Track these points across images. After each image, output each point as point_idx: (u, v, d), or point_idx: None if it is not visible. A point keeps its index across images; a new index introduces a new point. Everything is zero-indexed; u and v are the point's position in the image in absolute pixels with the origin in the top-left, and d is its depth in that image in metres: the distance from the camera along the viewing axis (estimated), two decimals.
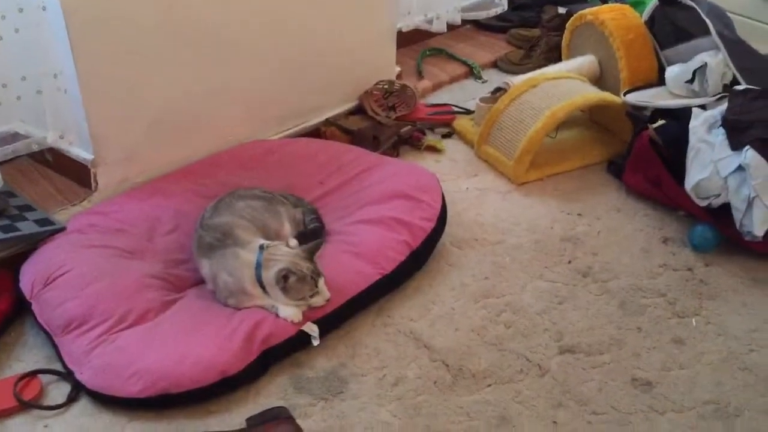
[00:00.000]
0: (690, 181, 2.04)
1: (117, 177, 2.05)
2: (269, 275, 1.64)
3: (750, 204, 1.91)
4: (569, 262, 2.02)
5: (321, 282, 1.68)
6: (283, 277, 1.63)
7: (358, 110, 2.58)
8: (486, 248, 2.07)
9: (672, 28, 2.47)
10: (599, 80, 2.63)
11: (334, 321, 1.73)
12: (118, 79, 1.95)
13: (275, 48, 2.27)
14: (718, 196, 1.99)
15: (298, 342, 1.67)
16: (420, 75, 2.92)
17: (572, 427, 1.55)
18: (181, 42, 2.03)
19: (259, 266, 1.65)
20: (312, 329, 1.67)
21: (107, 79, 1.92)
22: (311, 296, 1.67)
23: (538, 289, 1.92)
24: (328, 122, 2.50)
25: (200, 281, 1.80)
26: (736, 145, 1.97)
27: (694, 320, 1.82)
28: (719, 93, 2.22)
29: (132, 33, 1.92)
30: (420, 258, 1.94)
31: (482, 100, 2.61)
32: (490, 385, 1.64)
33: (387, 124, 2.50)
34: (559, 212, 2.22)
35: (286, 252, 1.70)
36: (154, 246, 1.87)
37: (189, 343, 1.58)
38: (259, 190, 1.93)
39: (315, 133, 2.49)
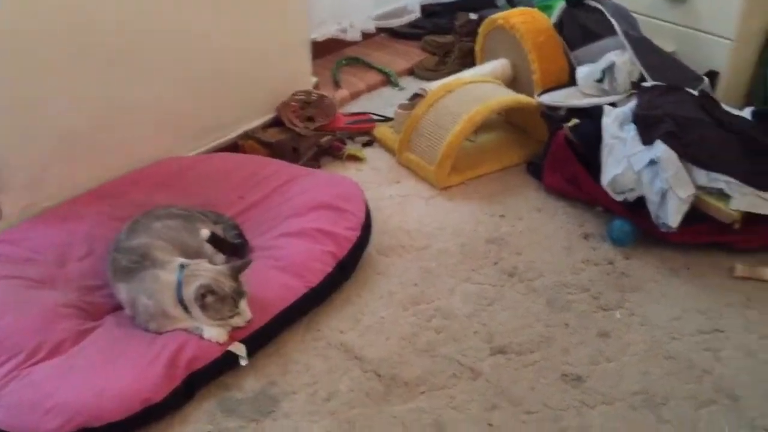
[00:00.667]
0: (606, 177, 2.09)
1: (23, 202, 1.95)
2: (189, 292, 1.58)
3: (664, 196, 1.97)
4: (495, 263, 2.03)
5: (243, 303, 1.62)
6: (202, 295, 1.57)
7: (276, 122, 2.54)
8: (412, 254, 2.06)
9: (580, 29, 2.53)
10: (513, 83, 2.67)
11: (261, 339, 1.68)
12: (18, 99, 1.85)
13: (186, 62, 2.20)
14: (633, 190, 2.04)
15: (225, 363, 1.61)
16: (337, 85, 2.90)
17: (507, 428, 1.54)
18: (86, 58, 1.94)
19: (180, 285, 1.59)
20: (239, 349, 1.62)
21: (5, 98, 1.82)
22: (230, 317, 1.61)
23: (466, 292, 1.92)
24: (245, 136, 2.44)
25: (118, 307, 1.72)
26: (647, 139, 2.02)
27: (618, 313, 1.86)
28: (628, 90, 2.29)
29: (32, 48, 1.82)
30: (347, 268, 1.91)
31: (401, 107, 2.61)
32: (423, 393, 1.63)
33: (306, 135, 2.46)
34: (483, 214, 2.23)
35: (208, 268, 1.64)
36: (67, 273, 1.77)
37: (108, 373, 1.50)
38: (176, 208, 1.86)
39: (233, 147, 2.43)
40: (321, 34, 2.93)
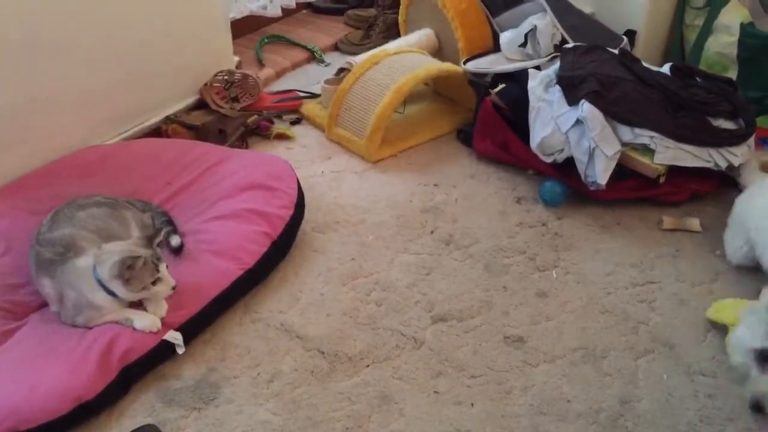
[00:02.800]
0: (534, 140, 2.11)
1: None
2: (104, 270, 1.51)
3: (591, 155, 2.00)
4: (431, 232, 2.03)
5: (162, 267, 1.56)
6: (119, 270, 1.50)
7: (201, 105, 2.47)
8: (348, 229, 2.03)
9: None
10: (439, 52, 2.66)
11: (198, 325, 1.63)
12: None
13: (101, 46, 2.11)
14: (562, 151, 2.07)
15: (161, 353, 1.56)
16: (261, 63, 2.84)
17: (453, 393, 1.55)
18: None
19: (95, 268, 1.52)
20: (175, 337, 1.57)
21: None
22: (153, 283, 1.54)
23: (404, 263, 1.91)
24: (169, 120, 2.36)
25: (43, 304, 1.64)
26: (572, 100, 2.04)
27: (554, 272, 1.88)
28: (551, 53, 2.31)
29: None
30: (282, 247, 1.87)
31: (327, 82, 2.57)
32: (368, 366, 1.61)
33: (232, 115, 2.40)
34: (416, 185, 2.22)
35: (120, 245, 1.57)
36: None
37: (37, 372, 1.43)
38: (100, 197, 1.78)
39: (156, 132, 2.35)
40: (239, 11, 2.86)
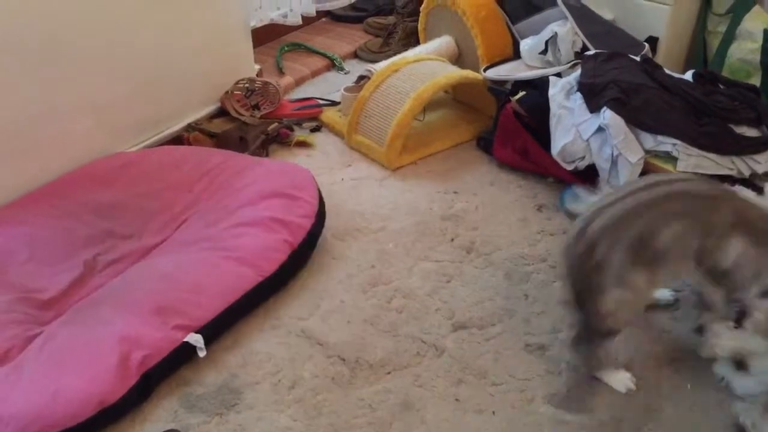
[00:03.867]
0: (555, 147, 2.10)
1: None
2: None
3: (614, 162, 1.98)
4: (452, 240, 2.02)
5: None
6: None
7: (221, 112, 2.49)
8: (369, 237, 2.03)
9: (521, 2, 2.53)
10: (458, 59, 2.66)
11: (218, 328, 1.64)
12: None
13: (122, 55, 2.13)
14: (583, 158, 2.06)
15: (182, 356, 1.57)
16: (281, 71, 2.85)
17: (475, 401, 1.54)
18: (16, 54, 1.86)
19: None
20: (196, 339, 1.57)
21: None
22: None
23: (424, 271, 1.91)
24: (190, 127, 2.38)
25: (62, 311, 1.65)
26: (593, 107, 2.03)
27: None
28: (572, 60, 2.30)
29: None
30: (302, 255, 1.88)
31: (347, 89, 2.58)
32: (389, 373, 1.61)
33: (252, 123, 2.41)
34: (436, 192, 2.22)
35: None
36: (8, 278, 1.70)
37: (60, 377, 1.44)
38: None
39: (177, 140, 2.37)
40: (260, 20, 2.87)
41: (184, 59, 2.33)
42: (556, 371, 1.60)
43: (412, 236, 2.03)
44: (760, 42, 2.33)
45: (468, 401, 1.54)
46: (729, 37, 2.41)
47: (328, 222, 2.02)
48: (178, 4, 2.25)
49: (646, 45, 2.37)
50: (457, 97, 2.66)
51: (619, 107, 1.98)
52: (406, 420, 1.50)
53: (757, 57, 2.36)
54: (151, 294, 1.66)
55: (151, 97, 2.26)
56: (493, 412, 1.51)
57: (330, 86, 2.83)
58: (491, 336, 1.71)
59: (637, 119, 1.97)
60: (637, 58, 2.18)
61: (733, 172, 1.98)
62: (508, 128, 2.28)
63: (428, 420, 1.50)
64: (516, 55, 2.50)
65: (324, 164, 2.37)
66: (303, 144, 2.46)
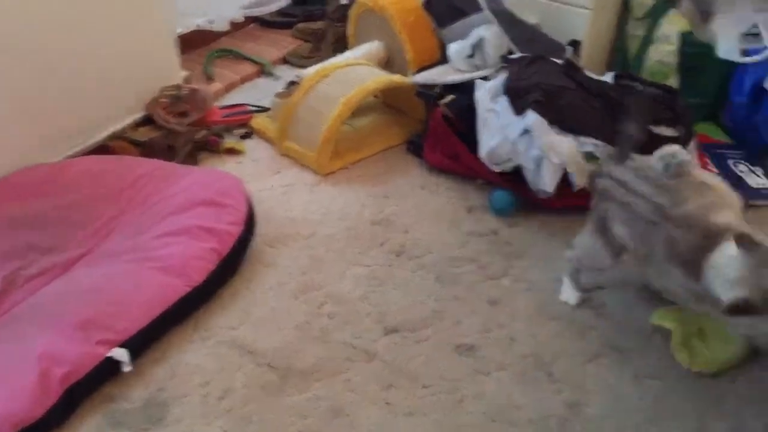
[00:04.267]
0: (483, 150, 2.13)
1: None
2: None
3: (539, 164, 2.02)
4: (382, 244, 2.03)
5: None
6: None
7: (148, 120, 2.43)
8: (300, 243, 2.02)
9: (447, 7, 2.56)
10: (388, 64, 2.68)
11: (144, 342, 1.61)
12: None
13: (41, 62, 2.07)
14: (510, 160, 2.09)
15: (107, 371, 1.53)
16: (210, 78, 2.82)
17: (405, 405, 1.54)
18: None
19: None
20: (120, 354, 1.54)
21: None
22: None
23: (356, 276, 1.91)
24: (115, 136, 2.33)
25: None
26: (518, 109, 2.07)
27: (505, 280, 1.90)
28: (498, 64, 2.34)
29: None
30: (232, 264, 1.86)
31: (277, 95, 2.57)
32: (319, 380, 1.60)
33: (180, 131, 2.37)
34: (367, 197, 2.22)
35: None
36: None
37: None
38: None
39: (102, 150, 2.31)
40: (186, 26, 2.83)
41: (106, 66, 2.27)
42: (485, 371, 1.63)
43: (343, 241, 2.03)
44: (677, 45, 2.41)
45: (398, 405, 1.55)
46: (647, 40, 2.49)
47: (258, 229, 2.01)
48: (100, 10, 2.20)
49: (570, 48, 2.43)
50: (387, 101, 2.68)
51: (542, 109, 2.02)
52: (336, 427, 1.50)
53: (674, 59, 2.44)
54: (74, 308, 1.61)
55: (72, 106, 2.20)
56: (424, 415, 1.52)
57: (260, 92, 2.80)
58: (422, 339, 1.72)
59: (560, 121, 2.01)
60: (560, 61, 2.24)
61: None
62: (437, 132, 2.30)
63: (358, 425, 1.50)
64: (444, 59, 2.53)
65: (254, 171, 2.35)
66: (233, 151, 2.43)
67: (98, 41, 2.22)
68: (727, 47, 2.28)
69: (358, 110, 2.50)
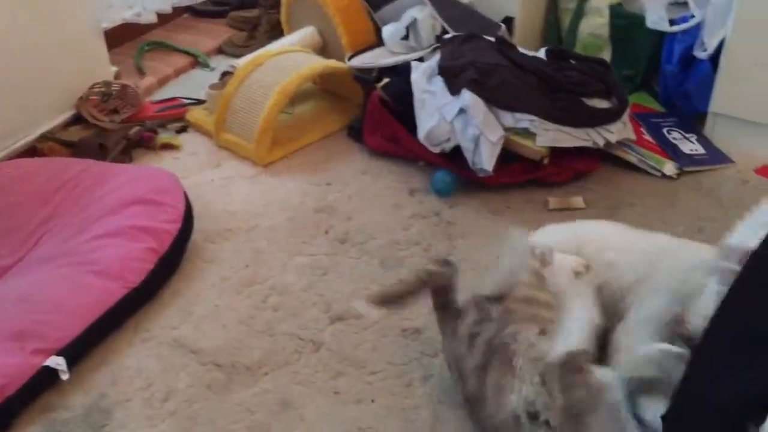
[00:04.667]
0: (421, 131, 2.12)
1: None
2: None
3: (477, 142, 2.02)
4: (326, 232, 2.01)
5: None
6: None
7: (78, 119, 2.37)
8: (241, 236, 1.99)
9: None
10: (323, 49, 2.65)
11: (81, 348, 1.56)
12: None
13: None
14: (449, 140, 2.09)
15: (44, 382, 1.48)
16: (141, 72, 2.75)
17: (353, 392, 1.54)
18: None
19: None
20: (57, 363, 1.49)
21: None
22: None
23: (300, 266, 1.89)
24: (44, 137, 2.26)
25: None
26: (454, 89, 2.07)
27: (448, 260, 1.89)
28: (432, 44, 2.33)
29: None
30: (171, 262, 1.82)
31: (212, 87, 2.52)
32: (266, 374, 1.58)
33: (112, 129, 2.32)
34: (309, 185, 2.20)
35: None
36: None
37: None
38: None
39: (31, 152, 2.24)
40: (112, 20, 2.75)
41: (30, 64, 2.20)
42: (432, 353, 1.63)
43: (286, 232, 2.01)
44: (608, 17, 2.44)
45: (347, 393, 1.54)
46: (579, 14, 2.51)
47: (197, 225, 1.97)
48: (20, 4, 2.12)
49: (503, 25, 2.43)
50: (325, 87, 2.65)
51: (476, 88, 2.02)
52: (285, 420, 1.48)
53: (606, 31, 2.47)
54: (7, 319, 1.56)
55: None
56: (372, 401, 1.52)
57: (196, 84, 2.74)
58: (368, 325, 1.71)
59: (495, 99, 2.02)
60: (493, 39, 2.24)
61: (589, 143, 2.07)
62: (375, 116, 2.29)
63: (308, 417, 1.49)
64: (380, 42, 2.51)
65: (192, 165, 2.30)
66: (169, 146, 2.38)
67: (20, 38, 2.14)
68: (656, 17, 2.31)
69: (297, 97, 2.47)
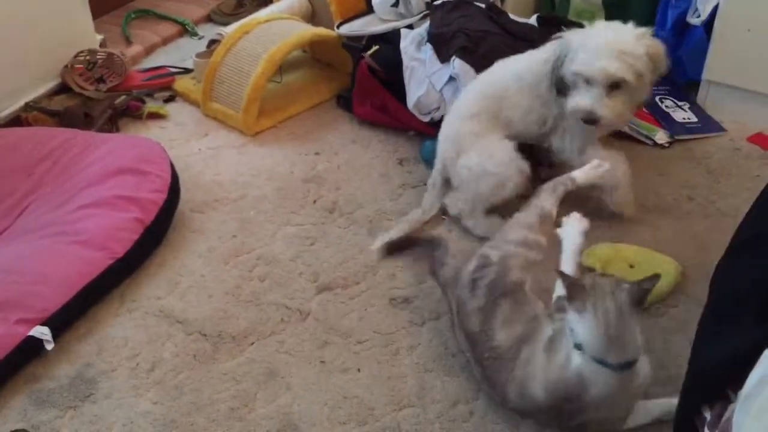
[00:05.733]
0: (410, 100, 2.10)
1: None
2: None
3: None
4: (314, 201, 1.99)
5: None
6: None
7: (63, 88, 2.33)
8: (228, 206, 1.98)
9: None
10: (313, 17, 2.61)
11: (66, 318, 1.56)
12: None
13: None
14: (438, 108, 2.06)
15: (28, 352, 1.48)
16: (128, 40, 2.71)
17: (339, 361, 1.53)
18: None
19: None
20: (42, 332, 1.49)
21: None
22: None
23: (287, 236, 1.88)
24: (28, 107, 2.23)
25: None
26: (443, 57, 2.04)
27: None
28: (422, 11, 2.29)
29: None
30: (157, 232, 1.80)
31: (198, 55, 2.49)
32: (252, 344, 1.58)
33: (98, 98, 2.28)
34: (297, 155, 2.18)
35: None
36: None
37: None
38: None
39: (16, 122, 2.21)
40: None
41: (14, 32, 2.16)
42: (419, 322, 1.62)
43: (274, 202, 1.99)
44: None
45: (333, 362, 1.54)
46: None
47: (185, 195, 1.95)
48: None
49: None
50: (315, 56, 2.61)
51: (467, 55, 1.99)
52: (271, 388, 1.48)
53: None
54: None
55: None
56: (359, 370, 1.52)
57: (183, 53, 2.71)
58: (356, 294, 1.71)
59: (485, 66, 1.98)
60: (483, 5, 2.20)
61: None
62: (364, 85, 2.26)
63: (294, 385, 1.48)
64: (369, 9, 2.47)
65: (179, 135, 2.28)
66: (156, 116, 2.35)
67: (3, 5, 2.10)
68: None
69: (286, 66, 2.44)
